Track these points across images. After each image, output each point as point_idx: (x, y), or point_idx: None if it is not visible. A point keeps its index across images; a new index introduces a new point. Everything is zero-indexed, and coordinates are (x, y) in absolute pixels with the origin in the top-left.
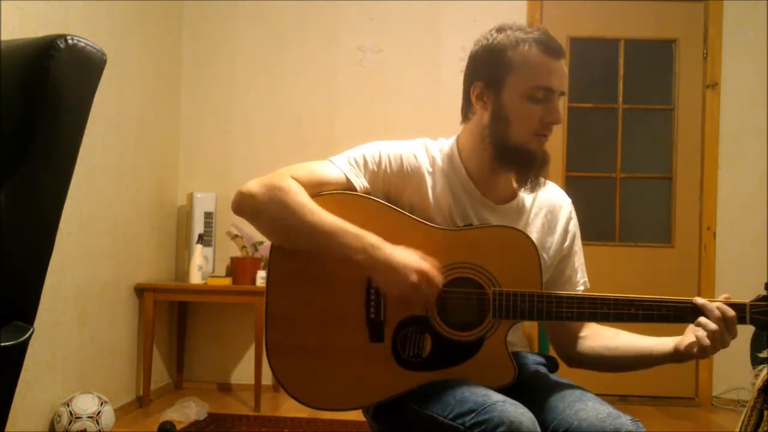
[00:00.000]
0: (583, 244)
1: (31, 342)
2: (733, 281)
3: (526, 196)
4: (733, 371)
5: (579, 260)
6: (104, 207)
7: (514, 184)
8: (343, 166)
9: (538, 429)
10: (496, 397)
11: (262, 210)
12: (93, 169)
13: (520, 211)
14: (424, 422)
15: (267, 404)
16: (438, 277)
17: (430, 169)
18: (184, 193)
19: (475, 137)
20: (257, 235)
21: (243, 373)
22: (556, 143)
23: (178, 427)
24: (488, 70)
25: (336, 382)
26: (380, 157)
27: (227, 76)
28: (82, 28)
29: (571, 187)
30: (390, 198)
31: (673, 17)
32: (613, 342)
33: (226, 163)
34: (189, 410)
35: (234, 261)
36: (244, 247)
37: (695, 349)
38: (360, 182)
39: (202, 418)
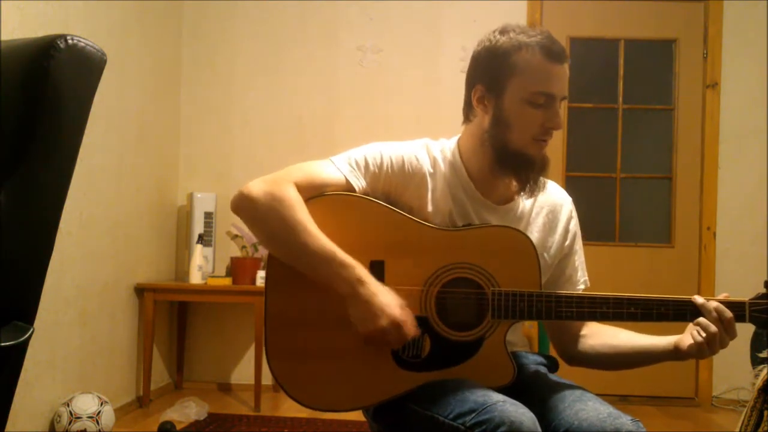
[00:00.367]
0: (584, 244)
1: (31, 342)
2: (732, 281)
3: (526, 196)
4: (733, 371)
5: (579, 259)
6: (104, 207)
7: (514, 186)
8: (343, 167)
9: (539, 429)
10: (497, 397)
11: (259, 218)
12: (93, 169)
13: (521, 211)
14: (424, 422)
15: (267, 404)
16: (411, 329)
17: (431, 170)
18: (184, 193)
19: (476, 139)
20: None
21: (243, 373)
22: (556, 143)
23: (178, 427)
24: (489, 74)
25: (336, 383)
26: (381, 158)
27: (227, 76)
28: (82, 28)
29: (571, 187)
30: (390, 199)
31: (673, 17)
32: (613, 340)
33: (226, 163)
34: (189, 410)
35: (234, 261)
36: (244, 247)
37: (694, 350)
38: (360, 183)
39: (202, 418)
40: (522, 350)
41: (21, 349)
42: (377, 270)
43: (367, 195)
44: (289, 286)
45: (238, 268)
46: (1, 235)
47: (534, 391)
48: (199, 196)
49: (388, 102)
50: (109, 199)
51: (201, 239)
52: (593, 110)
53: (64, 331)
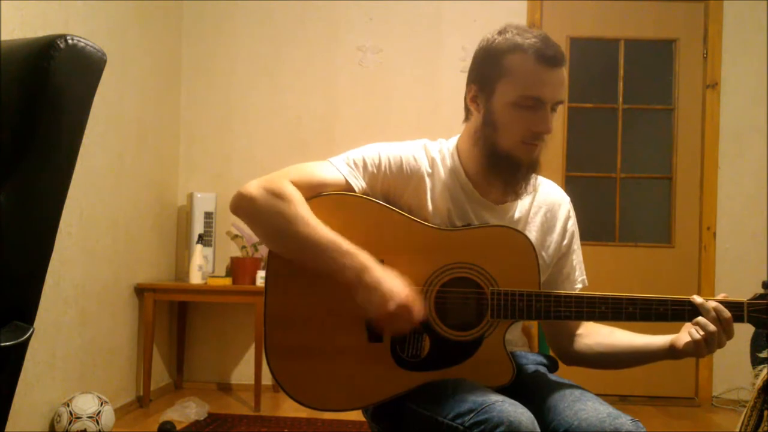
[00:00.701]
0: (583, 244)
1: (31, 342)
2: (732, 281)
3: (525, 196)
4: (733, 371)
5: (577, 258)
6: (104, 207)
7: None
8: (342, 168)
9: (538, 429)
10: (495, 396)
11: (259, 215)
12: (93, 169)
13: (520, 210)
14: (423, 422)
15: (267, 404)
16: (420, 308)
17: (430, 171)
18: (184, 193)
19: (471, 139)
20: (256, 237)
21: (243, 373)
22: (556, 143)
23: (178, 427)
24: (482, 74)
25: (335, 383)
26: (380, 158)
27: (227, 76)
28: (82, 28)
29: (571, 187)
30: (389, 199)
31: (673, 17)
32: (609, 339)
33: (226, 163)
34: (189, 410)
35: (234, 261)
36: (244, 247)
37: (691, 348)
38: (359, 184)
39: (202, 418)
40: (522, 350)
41: (21, 349)
42: None
43: (366, 195)
44: (289, 286)
45: (238, 268)
46: (1, 235)
47: (533, 390)
48: (199, 196)
49: (388, 102)
50: (109, 199)
51: (201, 239)
52: (593, 110)
53: (64, 331)
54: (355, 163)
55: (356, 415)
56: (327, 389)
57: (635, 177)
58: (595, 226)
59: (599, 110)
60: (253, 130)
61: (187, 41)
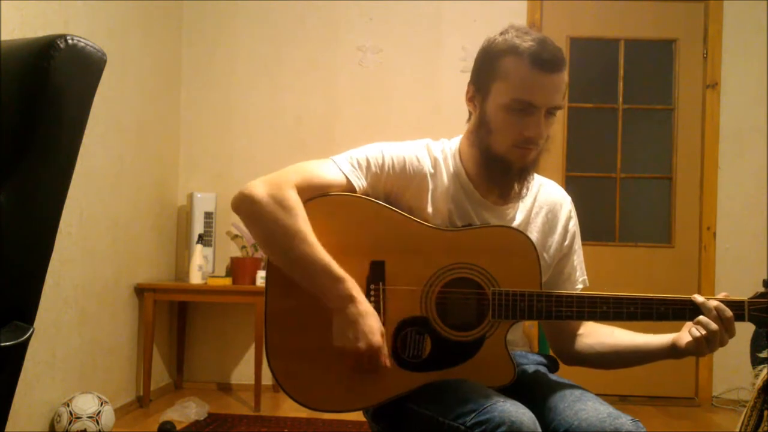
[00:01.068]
0: (584, 244)
1: (31, 342)
2: (732, 281)
3: (526, 196)
4: (733, 371)
5: (578, 258)
6: (104, 207)
7: (515, 186)
8: (344, 167)
9: (539, 429)
10: (497, 396)
11: (259, 220)
12: (93, 169)
13: (521, 211)
14: (425, 423)
15: (267, 404)
16: (384, 358)
17: (432, 171)
18: (184, 193)
19: (469, 140)
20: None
21: (243, 373)
22: (556, 143)
23: (178, 427)
24: (478, 75)
25: (336, 383)
26: (383, 158)
27: (227, 76)
28: (82, 28)
29: (571, 187)
30: (390, 199)
31: (673, 17)
32: (609, 339)
33: (226, 163)
34: (189, 410)
35: (234, 261)
36: (244, 247)
37: (693, 347)
38: (361, 183)
39: (202, 418)
40: (522, 350)
41: (21, 349)
42: (378, 271)
43: (368, 195)
44: (289, 286)
45: (238, 268)
46: (1, 235)
47: (534, 390)
48: (199, 196)
49: (388, 102)
50: (109, 199)
51: (201, 239)
52: (593, 110)
53: (64, 331)
54: (359, 163)
55: (356, 415)
56: (327, 390)
57: (635, 177)
58: (595, 226)
59: (599, 110)
60: (253, 130)
61: (187, 41)
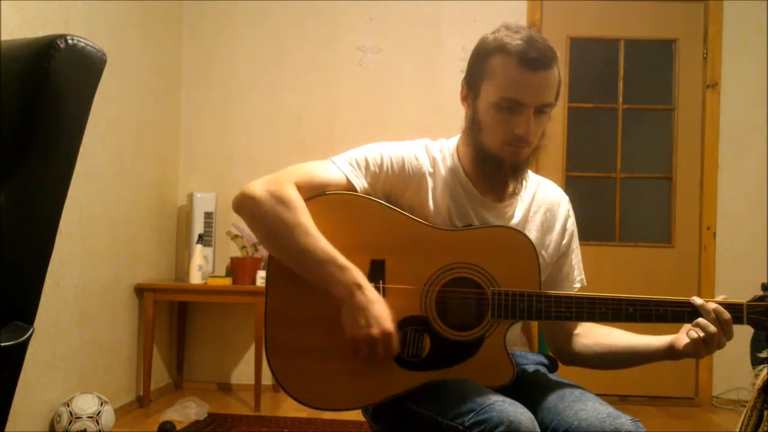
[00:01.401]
0: (583, 244)
1: (31, 342)
2: (732, 281)
3: (524, 195)
4: (733, 371)
5: (576, 258)
6: (104, 207)
7: (509, 184)
8: (344, 167)
9: (538, 429)
10: (495, 396)
11: (260, 218)
12: (93, 169)
13: (520, 209)
14: (423, 422)
15: (267, 404)
16: (396, 343)
17: (431, 170)
18: (184, 193)
19: (464, 138)
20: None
21: (243, 373)
22: (556, 143)
23: (178, 427)
24: (470, 73)
25: (335, 382)
26: (382, 158)
27: (227, 76)
28: (82, 28)
29: (571, 187)
30: (390, 199)
31: (673, 17)
32: (607, 339)
33: (226, 163)
34: (189, 410)
35: (234, 261)
36: (244, 247)
37: (690, 349)
38: (360, 183)
39: (202, 418)
40: (522, 350)
41: (21, 349)
42: (378, 269)
43: (368, 195)
44: (290, 285)
45: (238, 268)
46: (1, 235)
47: (533, 390)
48: (199, 196)
49: (388, 102)
50: (109, 199)
51: (201, 239)
52: (593, 110)
53: (64, 331)
54: (357, 163)
55: (356, 415)
56: (327, 389)
57: (635, 177)
58: (595, 226)
59: (599, 110)
60: (253, 130)
61: (187, 41)
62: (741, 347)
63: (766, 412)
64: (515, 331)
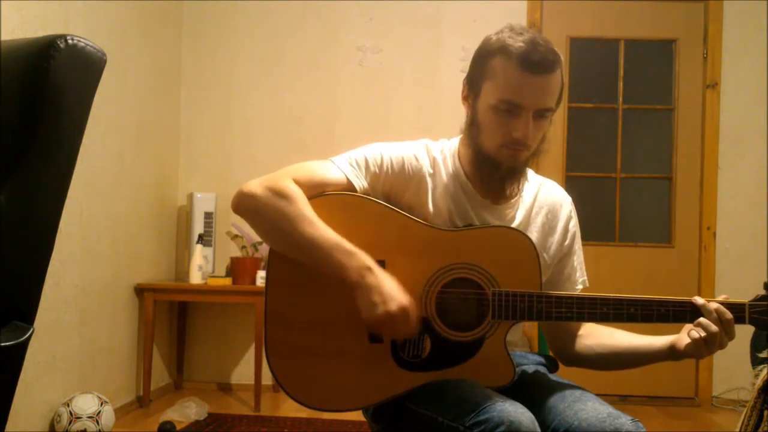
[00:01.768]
0: (584, 244)
1: (31, 342)
2: (732, 281)
3: (526, 196)
4: (733, 371)
5: (578, 259)
6: (104, 207)
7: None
8: (344, 167)
9: (538, 429)
10: (496, 396)
11: (261, 214)
12: (93, 169)
13: (521, 211)
14: (424, 423)
15: (267, 404)
16: (417, 316)
17: (431, 171)
18: (184, 193)
19: (464, 139)
20: (257, 235)
21: (243, 373)
22: (556, 143)
23: (178, 427)
24: (471, 73)
25: (335, 382)
26: (382, 158)
27: (227, 76)
28: (82, 28)
29: (571, 187)
30: (390, 199)
31: (673, 17)
32: (608, 340)
33: (226, 163)
34: (189, 410)
35: (234, 261)
36: (244, 247)
37: (692, 349)
38: (360, 183)
39: (202, 418)
40: (522, 350)
41: (21, 349)
42: None
43: (368, 195)
44: (290, 285)
45: (238, 268)
46: (1, 235)
47: (533, 391)
48: (199, 196)
49: (388, 102)
50: (109, 199)
51: (201, 239)
52: (593, 110)
53: (64, 331)
54: (357, 163)
55: (356, 415)
56: (327, 389)
57: (635, 177)
58: (595, 226)
59: (599, 110)
60: (253, 130)
61: (187, 41)
62: (741, 347)
63: (766, 412)
64: (516, 332)
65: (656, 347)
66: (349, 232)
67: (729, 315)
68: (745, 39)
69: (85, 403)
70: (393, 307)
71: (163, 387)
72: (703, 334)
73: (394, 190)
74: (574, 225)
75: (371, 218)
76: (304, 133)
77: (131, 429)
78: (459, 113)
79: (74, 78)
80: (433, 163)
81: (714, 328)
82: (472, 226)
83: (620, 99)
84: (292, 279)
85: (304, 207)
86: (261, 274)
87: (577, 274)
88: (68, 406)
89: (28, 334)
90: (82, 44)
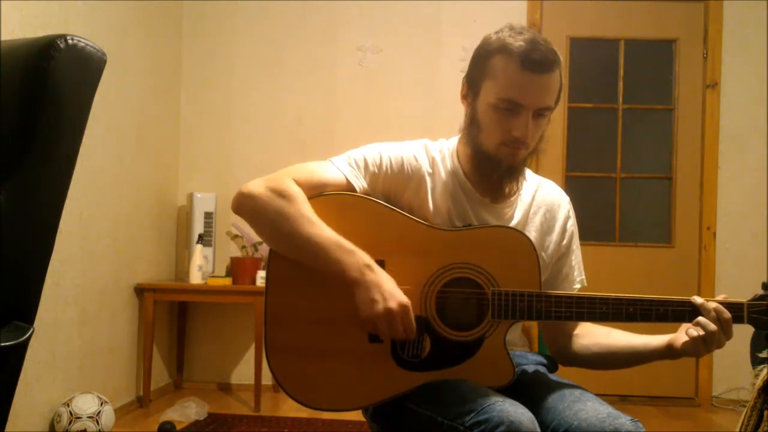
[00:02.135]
0: (583, 244)
1: (31, 342)
2: (732, 281)
3: (524, 195)
4: (733, 371)
5: (576, 258)
6: (104, 207)
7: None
8: (343, 167)
9: (538, 429)
10: (496, 396)
11: (261, 214)
12: (93, 169)
13: (519, 210)
14: (424, 422)
15: (267, 404)
16: (413, 321)
17: (430, 170)
18: (184, 193)
19: (463, 138)
20: (257, 236)
21: (243, 373)
22: (556, 143)
23: (178, 427)
24: (471, 72)
25: (335, 382)
26: (381, 158)
27: (227, 76)
28: (82, 28)
29: (571, 187)
30: (389, 199)
31: (673, 17)
32: (606, 339)
33: (226, 163)
34: (189, 410)
35: (234, 261)
36: (244, 247)
37: (690, 348)
38: (360, 183)
39: (202, 418)
40: (522, 350)
41: (21, 349)
42: None
43: (368, 195)
44: (289, 284)
45: (238, 268)
46: (1, 235)
47: (533, 391)
48: (199, 196)
49: (388, 102)
50: (109, 199)
51: (201, 239)
52: (593, 110)
53: (64, 331)
54: (357, 163)
55: (356, 415)
56: (327, 389)
57: (635, 177)
58: (595, 226)
59: (599, 110)
60: (253, 130)
61: (187, 41)
62: (741, 347)
63: (766, 412)
64: (516, 332)
65: (653, 346)
66: (348, 232)
67: (727, 314)
68: (745, 39)
69: (85, 403)
70: (392, 304)
71: (163, 387)
72: (701, 332)
73: (393, 190)
74: (572, 224)
75: (371, 218)
76: (304, 133)
77: (131, 429)
78: (459, 113)
79: (74, 78)
80: (432, 163)
81: (712, 327)
82: (471, 225)
83: (620, 99)
84: (293, 279)
85: (304, 207)
86: (261, 274)
87: (575, 273)
88: (68, 406)
89: (28, 334)
90: (82, 44)
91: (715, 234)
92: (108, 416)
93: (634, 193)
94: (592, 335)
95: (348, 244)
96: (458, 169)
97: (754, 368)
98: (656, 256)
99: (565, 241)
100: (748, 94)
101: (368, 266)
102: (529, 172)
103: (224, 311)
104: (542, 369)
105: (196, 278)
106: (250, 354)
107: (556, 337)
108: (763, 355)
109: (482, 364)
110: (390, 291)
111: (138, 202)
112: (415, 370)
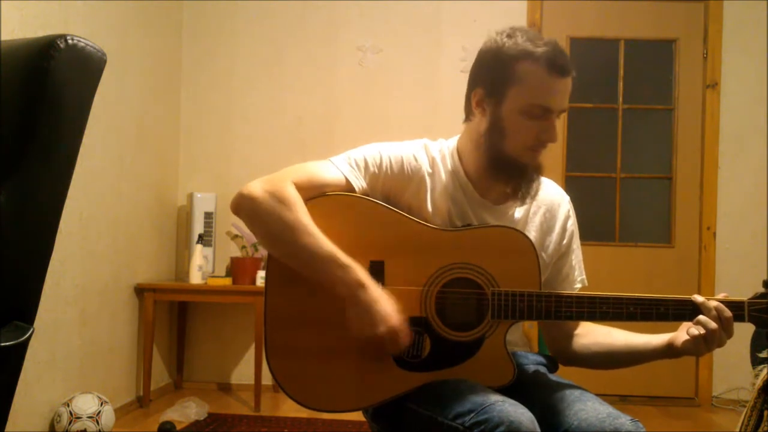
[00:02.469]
0: (583, 244)
1: (31, 342)
2: (732, 281)
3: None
4: (733, 371)
5: (577, 258)
6: (104, 207)
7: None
8: (343, 167)
9: (538, 429)
10: (496, 396)
11: (260, 218)
12: (93, 169)
13: (519, 210)
14: (424, 422)
15: (267, 404)
16: (406, 337)
17: (430, 171)
18: (184, 193)
19: (473, 141)
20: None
21: (243, 373)
22: (556, 143)
23: (178, 427)
24: (490, 78)
25: (335, 383)
26: (381, 158)
27: (227, 76)
28: (82, 28)
29: (571, 187)
30: (389, 199)
31: (673, 17)
32: (605, 339)
33: (226, 163)
34: (189, 410)
35: (234, 261)
36: (244, 247)
37: (690, 347)
38: (360, 183)
39: (202, 418)
40: (522, 350)
41: (21, 349)
42: (377, 270)
43: (367, 195)
44: (289, 285)
45: (238, 268)
46: (1, 235)
47: (533, 391)
48: (199, 196)
49: (388, 102)
50: (109, 199)
51: (201, 239)
52: (593, 110)
53: (64, 331)
54: (357, 163)
55: (356, 415)
56: (327, 390)
57: (635, 177)
58: (595, 226)
59: (599, 110)
60: (253, 130)
61: (187, 41)
62: (741, 347)
63: (766, 412)
64: (517, 332)
65: (654, 345)
66: (348, 232)
67: (728, 313)
68: (745, 39)
69: (85, 403)
70: (381, 329)
71: (163, 387)
72: (702, 331)
73: (393, 190)
74: (572, 224)
75: (371, 218)
76: (304, 133)
77: (131, 429)
78: (459, 113)
79: (74, 78)
80: (432, 163)
81: (713, 325)
82: (471, 225)
83: (620, 99)
84: (292, 279)
85: (302, 215)
86: (261, 274)
87: (576, 273)
88: (68, 406)
89: (28, 334)
90: (82, 44)
91: (715, 234)
92: (108, 416)
93: (634, 193)
94: (592, 335)
95: (343, 258)
96: (459, 169)
97: (754, 368)
98: (656, 256)
99: (565, 241)
100: (748, 94)
101: (361, 285)
102: None
103: (224, 311)
104: (542, 369)
105: (196, 278)
106: (250, 354)
107: (557, 337)
108: (763, 355)
109: (482, 364)
110: (381, 313)
111: (138, 202)
112: (415, 371)
